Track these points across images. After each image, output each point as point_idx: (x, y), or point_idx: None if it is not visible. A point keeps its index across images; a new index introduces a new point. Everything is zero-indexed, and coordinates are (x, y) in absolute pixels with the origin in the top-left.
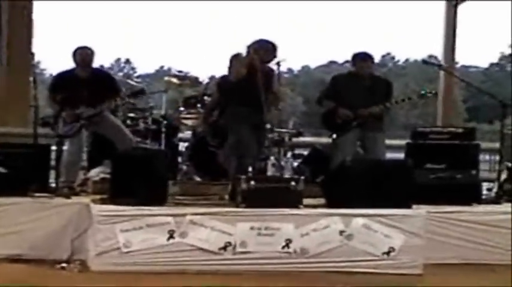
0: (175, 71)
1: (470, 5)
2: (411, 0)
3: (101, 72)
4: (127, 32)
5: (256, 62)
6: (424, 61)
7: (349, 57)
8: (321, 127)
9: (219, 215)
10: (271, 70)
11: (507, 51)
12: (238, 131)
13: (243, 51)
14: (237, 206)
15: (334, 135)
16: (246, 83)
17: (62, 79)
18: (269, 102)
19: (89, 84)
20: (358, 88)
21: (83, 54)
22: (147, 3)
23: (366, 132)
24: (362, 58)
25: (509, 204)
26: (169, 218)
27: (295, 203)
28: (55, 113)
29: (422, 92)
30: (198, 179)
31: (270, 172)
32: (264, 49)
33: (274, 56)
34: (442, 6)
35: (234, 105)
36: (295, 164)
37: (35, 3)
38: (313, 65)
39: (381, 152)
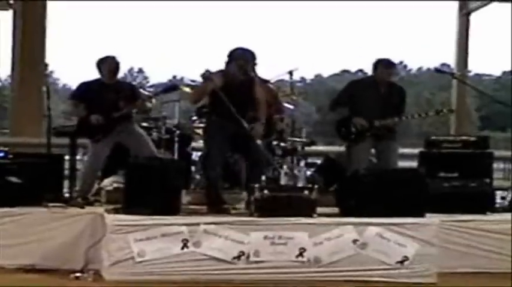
0: (188, 80)
1: (482, 14)
2: (424, 8)
3: (123, 82)
4: (140, 42)
5: (232, 73)
6: (436, 70)
7: (361, 67)
8: (335, 135)
9: (233, 225)
10: (252, 78)
11: None
12: (208, 142)
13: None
14: (251, 215)
15: (347, 145)
16: (223, 94)
17: (88, 86)
18: (253, 111)
19: (114, 91)
20: (374, 96)
21: (113, 64)
22: (160, 12)
23: (379, 142)
24: (386, 65)
25: None
26: (183, 228)
27: (309, 212)
28: (81, 118)
29: (439, 109)
30: None
31: (284, 181)
32: (243, 58)
33: (254, 65)
34: (454, 15)
35: (210, 116)
36: (309, 173)
37: (47, 14)
38: (326, 73)
39: (393, 160)
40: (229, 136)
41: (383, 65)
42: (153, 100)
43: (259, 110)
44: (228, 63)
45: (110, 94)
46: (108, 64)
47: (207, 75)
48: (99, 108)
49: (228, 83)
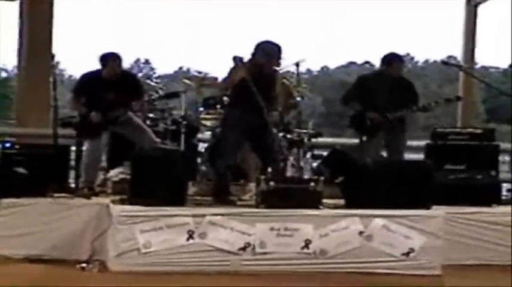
0: (194, 71)
1: (490, 6)
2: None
3: (127, 74)
4: (146, 33)
5: (259, 66)
6: (443, 62)
7: (368, 58)
8: (341, 127)
9: (239, 216)
10: (275, 71)
11: None
12: (225, 132)
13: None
14: (257, 207)
15: (364, 138)
16: (246, 86)
17: (88, 81)
18: (272, 105)
19: (115, 87)
20: (385, 90)
21: (114, 66)
22: (167, 4)
23: (390, 133)
24: (401, 60)
25: None
26: (189, 219)
27: (315, 204)
28: (80, 115)
29: (448, 98)
30: None
31: (290, 172)
32: (270, 52)
33: (279, 59)
34: (462, 7)
35: (230, 107)
36: (315, 164)
37: (54, 4)
38: (332, 65)
39: (401, 151)
40: (248, 130)
41: (398, 61)
42: (159, 91)
43: (275, 104)
44: (254, 55)
45: (110, 93)
46: (108, 65)
47: (238, 60)
48: (98, 106)
49: (253, 75)
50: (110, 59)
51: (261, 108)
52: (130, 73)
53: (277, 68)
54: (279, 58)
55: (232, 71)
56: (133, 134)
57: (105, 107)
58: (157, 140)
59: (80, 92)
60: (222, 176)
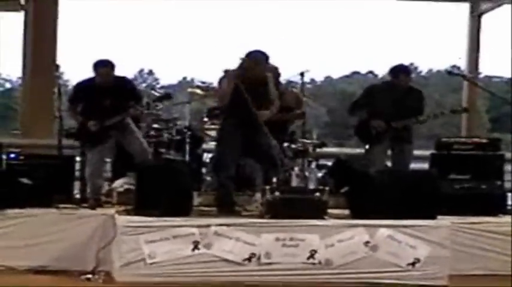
0: (198, 82)
1: (494, 15)
2: (435, 9)
3: (122, 80)
4: (150, 43)
5: (247, 69)
6: (448, 71)
7: (372, 68)
8: (345, 137)
9: (244, 226)
10: (265, 77)
11: None
12: (222, 143)
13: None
14: (262, 217)
15: (367, 146)
16: (236, 96)
17: (82, 89)
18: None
19: (110, 93)
20: (392, 100)
21: (103, 73)
22: (170, 14)
23: (396, 144)
24: (408, 72)
25: None
26: (194, 229)
27: (320, 214)
28: (79, 124)
29: (454, 108)
30: None
31: (295, 182)
32: (256, 61)
33: (267, 63)
34: (465, 17)
35: (225, 118)
36: (320, 174)
37: (59, 14)
38: (336, 75)
39: (407, 162)
40: (243, 140)
41: (404, 73)
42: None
43: (270, 107)
44: (242, 64)
45: (105, 100)
46: (99, 71)
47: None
48: (95, 114)
49: (243, 80)
50: (100, 66)
51: (254, 115)
52: (125, 78)
53: (268, 75)
54: (267, 63)
55: (221, 83)
56: (125, 140)
57: (101, 114)
58: (149, 150)
59: (75, 101)
60: (224, 186)
